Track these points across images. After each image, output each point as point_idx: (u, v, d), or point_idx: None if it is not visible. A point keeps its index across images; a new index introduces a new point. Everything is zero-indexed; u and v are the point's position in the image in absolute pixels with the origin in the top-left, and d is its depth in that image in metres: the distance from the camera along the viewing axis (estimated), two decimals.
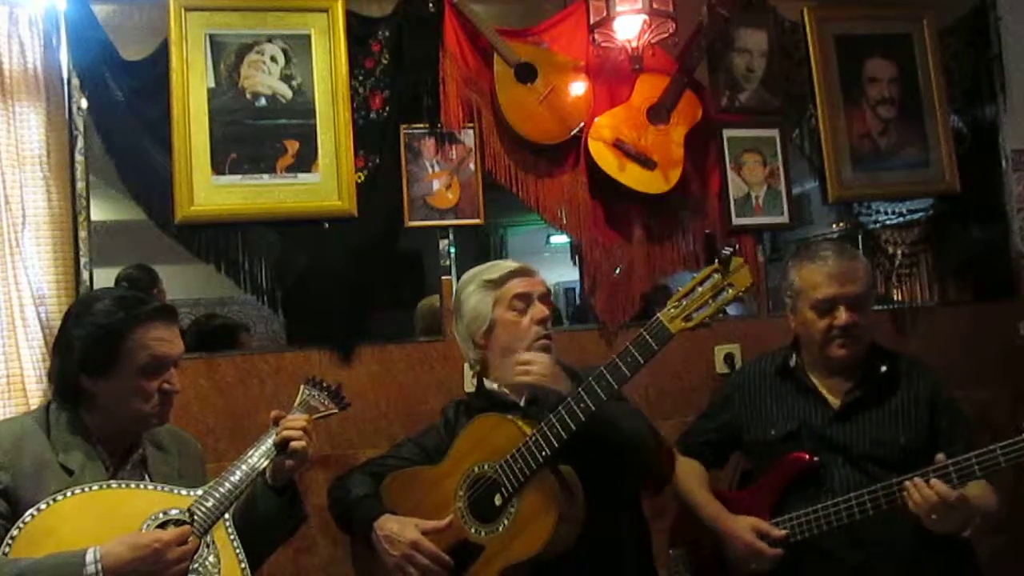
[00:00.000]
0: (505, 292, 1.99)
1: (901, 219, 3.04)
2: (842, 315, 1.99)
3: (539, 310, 1.97)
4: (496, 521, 1.80)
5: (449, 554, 1.83)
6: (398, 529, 1.85)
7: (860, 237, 3.04)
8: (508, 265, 2.04)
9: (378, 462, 2.08)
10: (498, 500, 1.79)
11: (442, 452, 1.96)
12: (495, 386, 2.00)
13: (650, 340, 1.69)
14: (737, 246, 1.72)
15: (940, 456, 1.82)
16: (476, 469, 1.85)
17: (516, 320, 1.97)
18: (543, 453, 1.73)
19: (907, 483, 1.81)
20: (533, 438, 1.75)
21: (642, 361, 1.69)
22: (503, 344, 1.98)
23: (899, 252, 3.02)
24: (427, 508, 1.89)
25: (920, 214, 3.04)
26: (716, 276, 1.68)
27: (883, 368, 2.04)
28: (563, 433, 1.72)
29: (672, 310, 1.69)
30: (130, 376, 1.67)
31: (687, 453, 2.21)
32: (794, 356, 2.14)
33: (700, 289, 1.69)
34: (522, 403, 1.94)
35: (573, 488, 1.76)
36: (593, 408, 1.70)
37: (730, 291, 1.67)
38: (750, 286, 1.68)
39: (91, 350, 1.66)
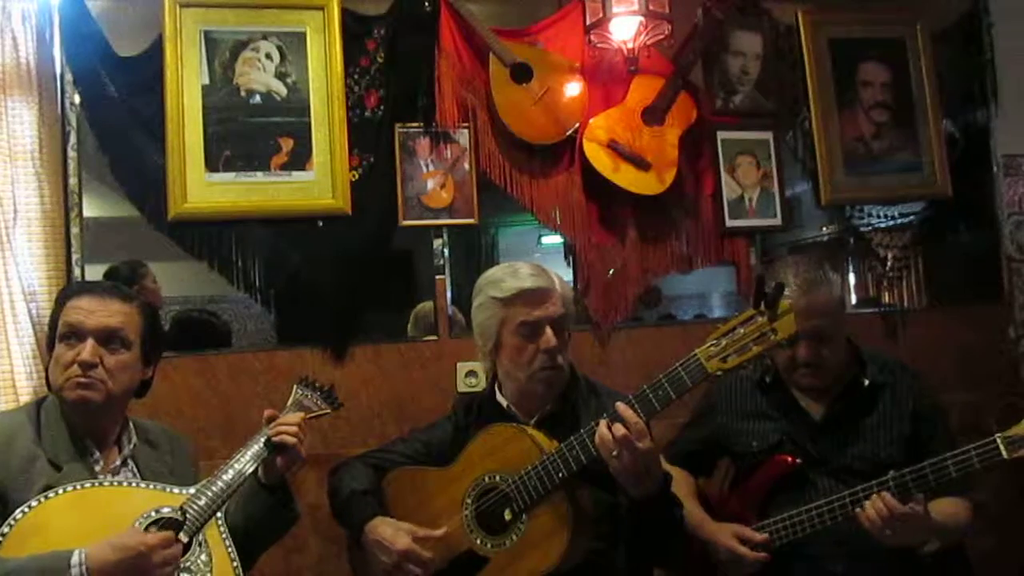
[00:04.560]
0: (511, 315, 1.87)
1: (893, 222, 3.05)
2: (802, 350, 1.95)
3: (547, 339, 1.83)
4: (504, 535, 1.78)
5: (452, 562, 1.81)
6: (390, 535, 1.81)
7: (851, 240, 3.06)
8: (519, 280, 1.87)
9: (380, 454, 2.06)
10: (508, 515, 1.77)
11: (448, 451, 1.94)
12: (505, 403, 1.96)
13: (685, 376, 1.64)
14: (781, 286, 1.58)
15: (893, 473, 1.82)
16: (487, 479, 1.82)
17: (521, 346, 1.86)
18: (559, 475, 1.71)
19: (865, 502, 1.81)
20: (551, 458, 1.72)
21: (674, 396, 1.64)
22: (506, 368, 1.92)
23: (890, 255, 3.03)
24: (431, 511, 1.87)
25: (911, 218, 3.06)
26: (761, 319, 1.57)
27: (866, 380, 2.02)
28: (582, 457, 1.70)
29: (711, 348, 1.62)
30: (56, 348, 1.69)
31: (674, 462, 2.18)
32: (771, 372, 2.10)
33: (742, 330, 1.59)
34: (532, 423, 1.91)
35: (585, 511, 1.75)
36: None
37: (773, 337, 1.57)
38: (793, 334, 1.59)
39: (48, 331, 1.75)
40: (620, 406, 1.66)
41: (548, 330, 1.84)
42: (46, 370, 1.75)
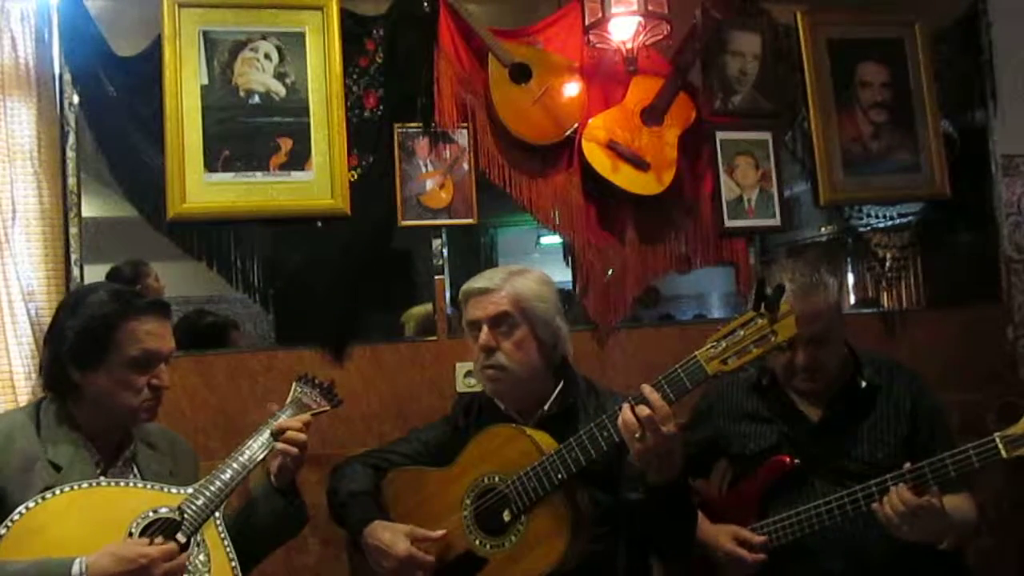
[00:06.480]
0: (465, 316, 1.97)
1: (891, 223, 3.06)
2: (800, 355, 1.95)
3: (480, 337, 1.89)
4: (503, 536, 1.78)
5: (450, 563, 1.81)
6: (389, 539, 1.81)
7: (850, 240, 3.06)
8: (470, 285, 1.96)
9: (380, 455, 2.06)
10: (507, 516, 1.77)
11: (447, 451, 1.94)
12: (502, 406, 1.96)
13: (684, 378, 1.63)
14: (782, 288, 1.60)
15: (907, 465, 1.81)
16: (486, 480, 1.82)
17: (472, 346, 1.94)
18: (558, 476, 1.71)
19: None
20: (550, 459, 1.72)
21: (673, 398, 1.64)
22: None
23: (889, 256, 3.04)
24: (430, 511, 1.87)
25: (910, 218, 3.06)
26: (761, 321, 1.58)
27: (863, 383, 2.01)
28: (582, 459, 1.70)
29: (711, 349, 1.62)
30: (119, 369, 1.65)
31: None
32: (768, 374, 2.09)
33: (742, 332, 1.59)
34: (531, 423, 1.90)
35: (584, 513, 1.75)
36: (616, 439, 1.67)
37: (773, 339, 1.57)
38: (794, 337, 1.61)
39: (83, 341, 1.65)
40: (646, 388, 1.65)
41: (484, 328, 1.89)
42: (41, 370, 1.74)
